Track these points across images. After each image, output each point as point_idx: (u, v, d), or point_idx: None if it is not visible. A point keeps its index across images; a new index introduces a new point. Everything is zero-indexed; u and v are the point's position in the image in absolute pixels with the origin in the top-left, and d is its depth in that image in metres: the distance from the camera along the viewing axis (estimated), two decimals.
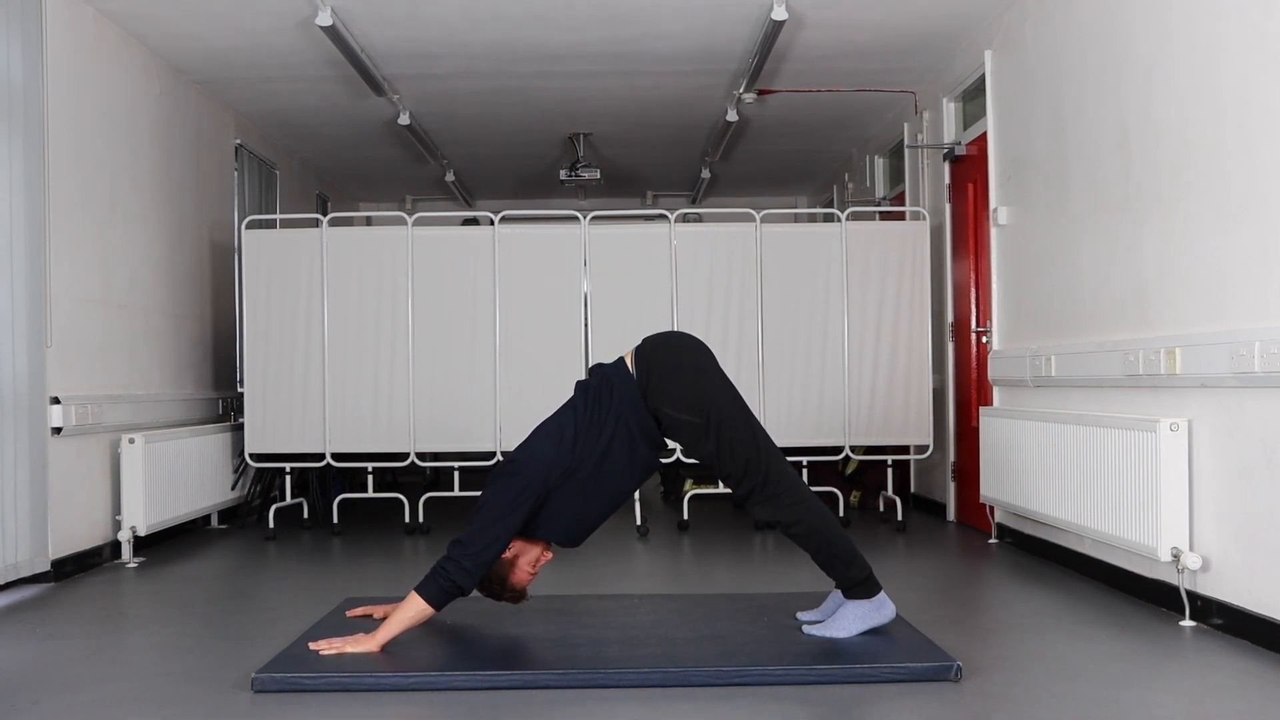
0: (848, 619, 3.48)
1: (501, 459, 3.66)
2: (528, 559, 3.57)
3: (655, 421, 3.47)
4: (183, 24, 5.83)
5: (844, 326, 6.48)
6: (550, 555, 3.61)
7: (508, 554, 3.52)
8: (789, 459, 6.63)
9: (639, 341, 3.59)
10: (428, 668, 3.23)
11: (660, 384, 3.45)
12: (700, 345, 3.59)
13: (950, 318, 6.71)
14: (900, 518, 6.46)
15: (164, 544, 6.06)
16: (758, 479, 3.44)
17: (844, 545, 3.48)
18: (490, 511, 3.37)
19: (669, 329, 3.58)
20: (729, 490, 6.91)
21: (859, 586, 3.48)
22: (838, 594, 3.59)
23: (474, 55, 6.46)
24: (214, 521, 6.86)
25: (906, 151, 7.48)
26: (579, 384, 3.60)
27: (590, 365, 3.61)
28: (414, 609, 3.36)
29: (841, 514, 6.67)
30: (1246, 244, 3.59)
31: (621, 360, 3.55)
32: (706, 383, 3.49)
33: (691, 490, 7.00)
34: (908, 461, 7.16)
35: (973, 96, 6.51)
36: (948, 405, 6.72)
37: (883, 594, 3.52)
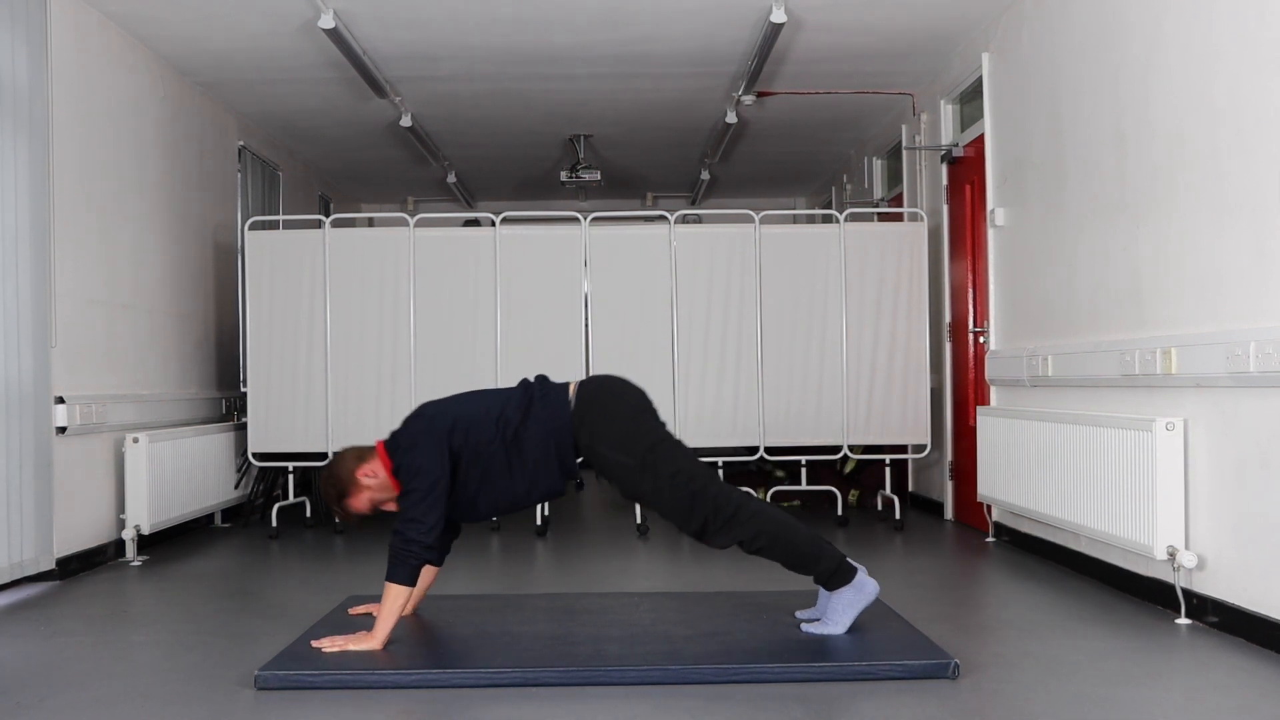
0: (838, 611, 3.51)
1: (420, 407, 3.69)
2: (376, 495, 3.59)
3: (576, 453, 3.54)
4: (186, 27, 5.86)
5: (842, 326, 6.51)
6: (395, 507, 3.59)
7: (367, 475, 3.56)
8: (788, 458, 6.73)
9: (584, 378, 3.66)
10: (430, 665, 3.26)
11: (599, 423, 3.50)
12: (640, 392, 3.64)
13: (948, 318, 6.74)
14: (898, 516, 6.49)
15: (168, 543, 6.09)
16: (707, 508, 3.45)
17: (808, 543, 3.49)
18: (423, 476, 3.41)
19: (614, 374, 3.67)
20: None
21: (835, 576, 3.50)
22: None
23: (475, 58, 6.49)
24: (217, 520, 6.90)
25: (904, 153, 7.51)
26: (523, 381, 3.66)
27: (537, 375, 3.67)
28: (396, 596, 3.39)
29: (840, 513, 6.70)
30: (1242, 245, 3.62)
31: (565, 387, 3.61)
32: (644, 425, 3.53)
33: None
34: (905, 461, 7.20)
35: (970, 98, 6.54)
36: (945, 405, 6.75)
37: (859, 573, 3.52)
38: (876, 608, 3.87)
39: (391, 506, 3.61)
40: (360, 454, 3.61)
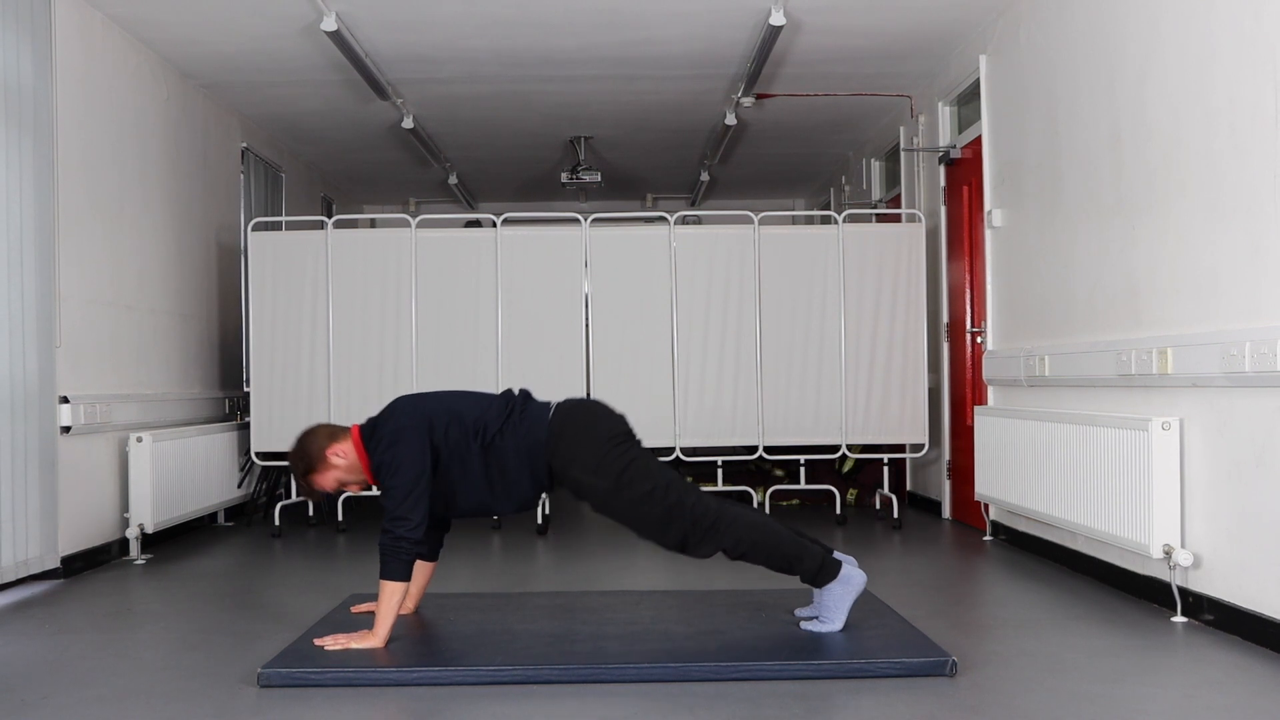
0: (830, 607, 3.53)
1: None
2: (343, 475, 3.59)
3: (549, 472, 3.54)
4: (190, 30, 5.89)
5: (841, 327, 6.54)
6: (358, 489, 3.65)
7: (336, 455, 3.56)
8: (787, 458, 6.75)
9: (562, 401, 3.65)
10: (431, 663, 3.28)
11: (572, 447, 3.50)
12: (616, 416, 3.62)
13: (945, 318, 6.76)
14: (896, 515, 6.52)
15: (171, 541, 6.12)
16: (686, 520, 3.46)
17: (789, 544, 3.50)
18: (403, 473, 3.42)
19: (591, 398, 3.68)
20: (727, 490, 6.95)
21: (821, 573, 3.51)
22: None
23: (477, 60, 6.52)
24: (220, 519, 6.93)
25: (902, 155, 7.54)
26: (507, 391, 3.67)
27: (520, 389, 3.69)
28: (392, 593, 3.41)
29: (838, 512, 6.73)
30: (1237, 245, 3.65)
31: (546, 406, 3.61)
32: (617, 447, 3.51)
33: None
34: (904, 460, 7.23)
35: (968, 100, 6.57)
36: (943, 404, 6.78)
37: (845, 566, 3.54)
38: (874, 605, 3.91)
39: (355, 489, 3.64)
40: (333, 433, 3.62)
